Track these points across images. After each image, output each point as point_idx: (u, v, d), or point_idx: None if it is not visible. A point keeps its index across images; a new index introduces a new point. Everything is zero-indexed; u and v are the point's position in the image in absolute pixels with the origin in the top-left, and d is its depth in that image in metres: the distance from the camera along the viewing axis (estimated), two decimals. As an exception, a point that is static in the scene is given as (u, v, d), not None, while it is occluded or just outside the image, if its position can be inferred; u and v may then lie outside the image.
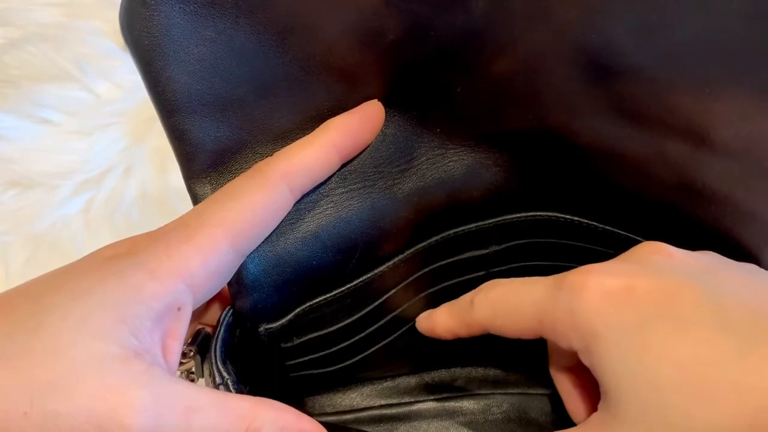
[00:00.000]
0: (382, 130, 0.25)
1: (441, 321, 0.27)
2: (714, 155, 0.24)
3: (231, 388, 0.23)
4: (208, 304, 0.27)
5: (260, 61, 0.22)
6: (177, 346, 0.21)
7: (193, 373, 0.25)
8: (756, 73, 0.22)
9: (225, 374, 0.23)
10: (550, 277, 0.23)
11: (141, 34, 0.21)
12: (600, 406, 0.22)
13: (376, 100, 0.25)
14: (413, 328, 0.30)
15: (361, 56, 0.23)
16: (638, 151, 0.25)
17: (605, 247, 0.29)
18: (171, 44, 0.21)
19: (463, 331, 0.26)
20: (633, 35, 0.22)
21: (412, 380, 0.33)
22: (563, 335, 0.22)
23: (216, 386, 0.23)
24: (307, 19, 0.22)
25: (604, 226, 0.28)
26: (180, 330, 0.21)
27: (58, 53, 0.54)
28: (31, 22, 0.61)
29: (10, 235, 0.41)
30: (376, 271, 0.28)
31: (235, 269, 0.24)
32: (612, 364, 0.21)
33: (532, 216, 0.29)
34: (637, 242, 0.26)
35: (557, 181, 0.28)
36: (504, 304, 0.25)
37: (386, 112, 0.25)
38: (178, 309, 0.21)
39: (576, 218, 0.29)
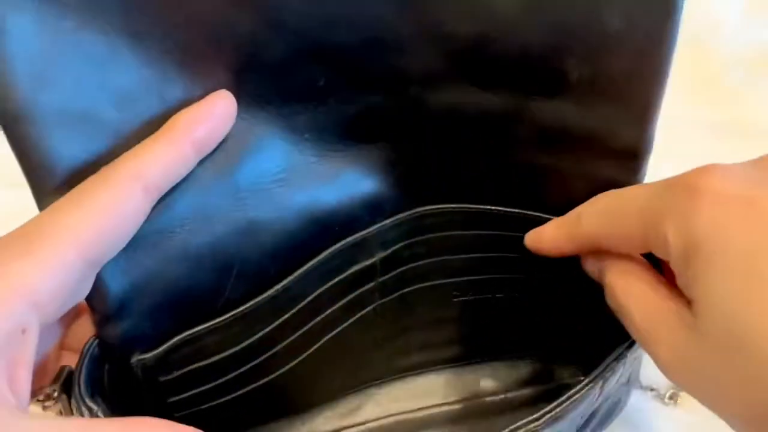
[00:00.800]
0: (254, 141, 0.24)
1: (548, 235, 0.26)
2: (566, 100, 0.25)
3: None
4: (72, 321, 0.25)
5: (115, 66, 0.20)
6: (26, 374, 0.19)
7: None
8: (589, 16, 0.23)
9: (93, 406, 0.21)
10: (663, 179, 0.22)
11: None
12: (682, 323, 0.20)
13: (224, 90, 0.23)
14: (322, 347, 0.29)
15: (221, 54, 0.22)
16: (498, 111, 0.26)
17: (493, 229, 0.29)
18: (8, 41, 0.19)
19: (569, 246, 0.26)
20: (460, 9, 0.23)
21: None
22: (663, 240, 0.20)
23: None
24: (160, 17, 0.21)
25: (484, 207, 0.28)
26: (27, 355, 0.19)
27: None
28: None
29: (10, 235, 0.40)
30: (264, 295, 0.26)
31: (89, 282, 0.21)
32: (711, 285, 0.18)
33: (409, 215, 0.29)
34: (512, 216, 0.28)
35: (428, 171, 0.28)
36: (610, 211, 0.23)
37: (257, 121, 0.24)
38: (23, 332, 0.19)
39: (452, 206, 0.29)
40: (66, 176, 0.21)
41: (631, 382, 0.28)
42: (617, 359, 0.24)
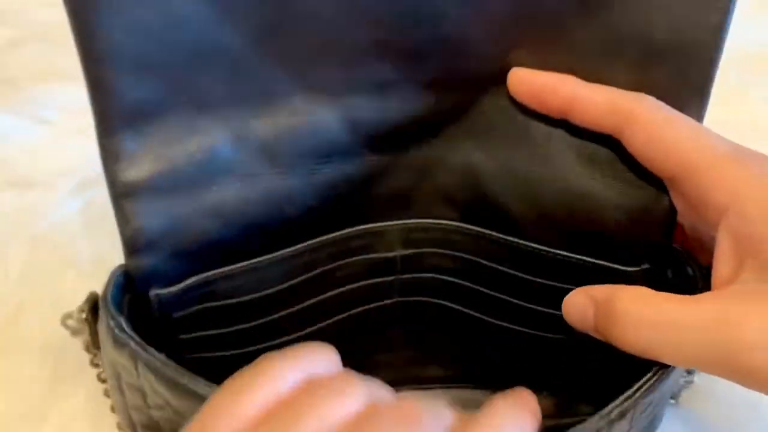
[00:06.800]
0: (310, 123, 0.25)
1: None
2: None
3: (126, 329, 0.22)
4: None
5: (198, 31, 0.22)
6: None
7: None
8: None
9: (119, 318, 0.22)
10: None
11: None
12: (755, 273, 0.21)
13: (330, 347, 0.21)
14: (338, 322, 0.30)
15: (299, 37, 0.23)
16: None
17: (508, 267, 0.29)
18: (109, 1, 0.21)
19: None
20: None
21: None
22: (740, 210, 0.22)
23: (111, 331, 0.22)
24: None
25: (526, 244, 0.28)
26: None
27: (58, 53, 0.54)
28: (31, 22, 0.61)
29: (9, 235, 0.40)
30: (276, 254, 0.27)
31: None
32: None
33: (434, 223, 0.29)
34: (556, 260, 0.27)
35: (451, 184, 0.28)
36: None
37: (316, 106, 0.25)
38: None
39: (477, 229, 0.29)
40: (128, 120, 0.23)
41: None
42: (619, 405, 0.22)
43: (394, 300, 0.31)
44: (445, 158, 0.28)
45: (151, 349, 0.21)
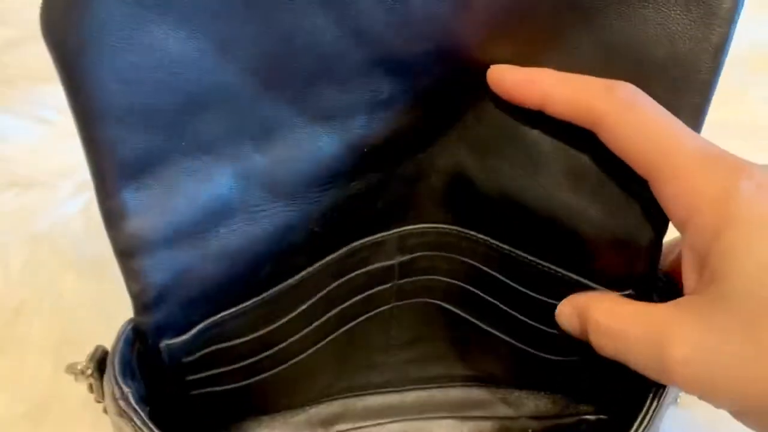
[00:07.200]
0: (315, 147, 0.25)
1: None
2: None
3: (131, 402, 0.21)
4: None
5: (195, 71, 0.21)
6: None
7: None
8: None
9: (125, 387, 0.22)
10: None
11: (68, 33, 0.19)
12: (703, 287, 0.21)
13: None
14: (335, 339, 0.30)
15: (300, 62, 0.23)
16: None
17: (506, 276, 0.28)
18: (103, 49, 0.19)
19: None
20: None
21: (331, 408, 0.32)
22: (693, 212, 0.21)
23: (115, 401, 0.21)
24: (253, 25, 0.21)
25: (519, 254, 0.28)
26: None
27: (58, 53, 0.54)
28: (31, 22, 0.61)
29: (9, 235, 0.41)
30: (281, 285, 0.27)
31: None
32: (740, 253, 0.20)
33: (429, 227, 0.29)
34: (547, 273, 0.27)
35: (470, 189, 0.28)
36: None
37: (317, 134, 0.25)
38: None
39: (472, 233, 0.29)
40: (129, 176, 0.21)
41: None
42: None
43: (391, 305, 0.31)
44: (438, 163, 0.28)
45: (154, 430, 0.21)
